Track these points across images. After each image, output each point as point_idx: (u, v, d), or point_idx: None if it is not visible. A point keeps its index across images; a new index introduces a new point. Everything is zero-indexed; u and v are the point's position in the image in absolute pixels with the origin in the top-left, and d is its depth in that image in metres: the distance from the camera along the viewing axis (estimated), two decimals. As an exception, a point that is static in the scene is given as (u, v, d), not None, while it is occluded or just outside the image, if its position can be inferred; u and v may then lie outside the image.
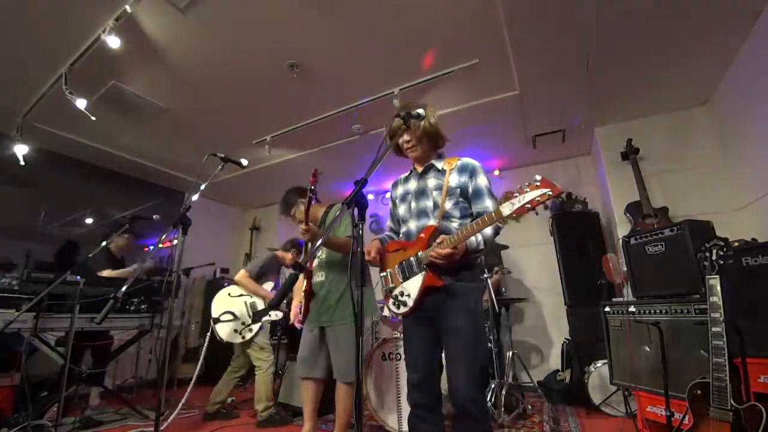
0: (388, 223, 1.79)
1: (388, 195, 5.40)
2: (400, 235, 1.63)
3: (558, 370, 3.30)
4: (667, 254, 2.21)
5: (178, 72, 2.77)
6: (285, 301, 2.81)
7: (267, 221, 5.85)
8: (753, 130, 2.59)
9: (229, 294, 2.96)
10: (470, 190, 1.50)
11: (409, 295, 1.43)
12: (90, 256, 2.94)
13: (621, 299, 2.45)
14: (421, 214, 1.54)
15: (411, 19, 2.33)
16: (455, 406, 1.33)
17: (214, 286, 4.80)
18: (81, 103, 2.69)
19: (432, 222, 1.48)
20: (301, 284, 2.18)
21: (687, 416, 1.52)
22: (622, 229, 3.16)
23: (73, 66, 2.58)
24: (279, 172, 4.42)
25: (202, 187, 1.96)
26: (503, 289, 3.74)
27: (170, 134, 3.68)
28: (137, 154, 4.07)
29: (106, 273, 3.10)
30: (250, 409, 3.05)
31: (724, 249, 1.55)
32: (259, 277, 2.97)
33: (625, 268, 2.43)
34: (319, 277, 2.15)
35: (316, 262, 2.18)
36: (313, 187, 1.79)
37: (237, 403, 3.23)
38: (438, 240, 1.36)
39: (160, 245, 1.88)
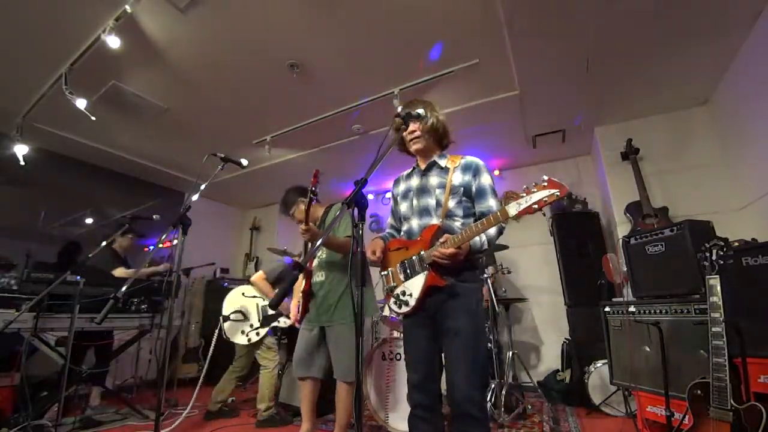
0: (389, 221, 1.77)
1: (388, 195, 5.44)
2: (402, 233, 1.61)
3: (558, 370, 3.30)
4: (667, 254, 2.21)
5: (178, 72, 2.77)
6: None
7: (267, 221, 5.85)
8: (753, 130, 2.59)
9: (243, 293, 2.97)
10: (474, 189, 1.49)
11: (411, 295, 1.42)
12: (90, 256, 2.94)
13: (621, 299, 2.45)
14: (424, 212, 1.52)
15: (411, 19, 2.33)
16: (455, 406, 1.32)
17: (214, 286, 4.82)
18: (81, 103, 2.69)
19: (435, 221, 1.47)
20: (300, 284, 2.18)
21: (687, 416, 1.52)
22: (622, 229, 3.16)
23: (73, 66, 2.58)
24: (279, 172, 4.42)
25: (202, 187, 1.96)
26: (503, 289, 3.74)
27: (170, 134, 3.68)
28: (137, 154, 4.07)
29: (118, 272, 3.12)
30: (250, 409, 3.06)
31: (724, 249, 1.55)
32: (275, 283, 2.96)
33: (625, 268, 2.43)
34: (318, 276, 2.15)
35: (315, 261, 2.18)
36: (314, 188, 1.78)
37: (237, 403, 3.24)
38: (441, 239, 1.35)
39: (160, 245, 1.88)
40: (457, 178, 1.50)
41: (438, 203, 1.49)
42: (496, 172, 4.46)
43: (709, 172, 3.07)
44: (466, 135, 3.65)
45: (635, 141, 3.28)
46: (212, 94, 3.06)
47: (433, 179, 1.54)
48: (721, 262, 1.53)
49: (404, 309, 1.44)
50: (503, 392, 2.62)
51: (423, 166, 1.60)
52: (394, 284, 1.49)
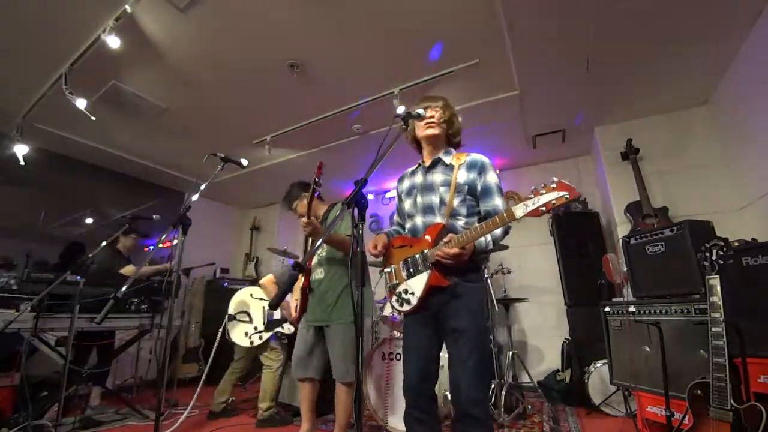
0: (395, 218, 1.76)
1: (388, 195, 5.42)
2: (406, 231, 1.59)
3: (558, 370, 3.30)
4: (667, 254, 2.21)
5: (178, 72, 2.77)
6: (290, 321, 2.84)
7: (267, 221, 5.84)
8: (753, 130, 2.59)
9: (251, 295, 2.98)
10: (479, 187, 1.47)
11: (413, 293, 1.41)
12: (90, 255, 2.95)
13: (621, 299, 2.45)
14: (427, 210, 1.50)
15: (411, 19, 2.32)
16: (458, 407, 1.31)
17: (214, 286, 4.83)
18: (81, 103, 2.69)
19: (439, 219, 1.45)
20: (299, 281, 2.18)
21: (687, 416, 1.52)
22: (622, 229, 3.16)
23: (73, 66, 2.58)
24: (279, 172, 4.41)
25: (202, 187, 1.96)
26: (503, 288, 3.74)
27: (170, 134, 3.68)
28: (137, 154, 4.07)
29: (126, 270, 3.16)
30: (250, 409, 3.06)
31: (724, 249, 1.55)
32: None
33: (625, 268, 2.43)
34: (318, 274, 2.14)
35: (315, 259, 2.17)
36: (317, 179, 1.76)
37: (237, 402, 3.24)
38: (445, 239, 1.33)
39: (160, 245, 1.88)
40: (462, 176, 1.48)
41: (442, 201, 1.47)
42: (497, 172, 4.45)
43: (709, 172, 3.07)
44: (466, 135, 3.56)
45: (635, 141, 3.28)
46: (212, 94, 3.06)
47: (438, 176, 1.52)
48: (721, 262, 1.54)
49: (406, 307, 1.44)
50: (503, 392, 2.61)
51: (428, 163, 1.58)
52: (397, 282, 1.48)
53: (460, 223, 1.44)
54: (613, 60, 2.67)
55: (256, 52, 2.60)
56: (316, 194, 1.89)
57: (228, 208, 5.85)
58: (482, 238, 1.33)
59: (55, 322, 2.38)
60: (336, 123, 3.43)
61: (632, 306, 2.25)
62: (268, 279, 2.93)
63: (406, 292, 1.44)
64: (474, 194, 1.48)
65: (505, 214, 1.21)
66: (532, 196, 1.15)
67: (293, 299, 2.35)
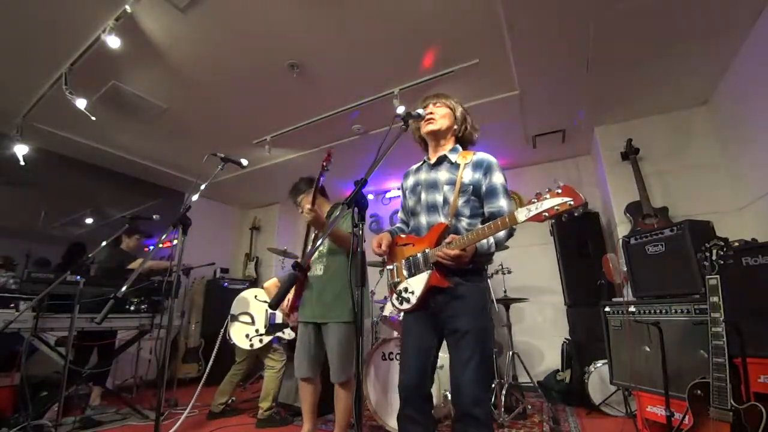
0: (400, 214, 1.74)
1: (388, 195, 5.42)
2: (410, 228, 1.58)
3: (558, 370, 3.30)
4: (667, 254, 2.21)
5: (178, 72, 2.77)
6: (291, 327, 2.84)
7: (267, 221, 5.84)
8: (753, 130, 2.59)
9: (255, 296, 2.97)
10: (484, 188, 1.44)
11: (412, 292, 1.41)
12: (90, 255, 2.96)
13: (621, 299, 2.45)
14: (431, 208, 1.48)
15: (411, 19, 2.33)
16: (458, 407, 1.30)
17: (214, 286, 4.83)
18: (81, 103, 2.69)
19: (442, 219, 1.44)
20: None
21: (687, 416, 1.52)
22: (622, 229, 3.16)
23: (73, 66, 2.58)
24: (279, 172, 4.42)
25: (202, 187, 1.96)
26: (503, 288, 3.74)
27: (170, 134, 3.68)
28: (137, 154, 4.07)
29: (134, 264, 3.22)
30: (250, 409, 3.06)
31: (724, 249, 1.55)
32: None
33: (625, 268, 2.43)
34: (317, 270, 2.12)
35: (315, 254, 2.15)
36: (325, 165, 1.73)
37: (237, 403, 3.24)
38: (447, 240, 1.32)
39: (160, 245, 1.88)
40: (467, 175, 1.45)
41: (446, 200, 1.45)
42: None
43: (709, 172, 3.07)
44: (466, 135, 3.64)
45: (635, 141, 3.28)
46: (212, 94, 3.06)
47: (442, 174, 1.50)
48: (721, 262, 1.54)
49: (405, 306, 1.43)
50: (503, 392, 2.61)
51: (433, 160, 1.56)
52: (398, 280, 1.47)
53: (463, 223, 1.43)
54: (613, 60, 2.67)
55: (256, 52, 2.60)
56: (322, 181, 1.85)
57: (228, 208, 5.84)
58: (484, 241, 1.31)
59: (55, 322, 2.38)
60: (336, 123, 3.43)
61: (632, 306, 2.25)
62: (272, 283, 2.94)
63: (406, 290, 1.43)
64: (478, 195, 1.45)
65: (507, 218, 1.18)
66: (536, 200, 1.11)
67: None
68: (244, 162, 2.09)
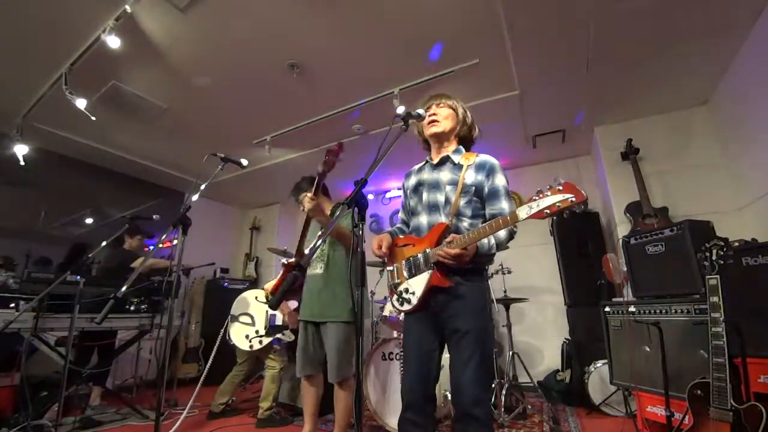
0: (400, 214, 1.74)
1: (388, 195, 5.42)
2: (410, 228, 1.58)
3: (558, 370, 3.30)
4: (667, 254, 2.21)
5: (178, 72, 2.77)
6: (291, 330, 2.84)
7: (267, 221, 5.85)
8: (753, 130, 2.59)
9: (256, 297, 2.97)
10: (486, 189, 1.44)
11: (413, 293, 1.40)
12: (90, 255, 2.97)
13: (621, 299, 2.45)
14: (433, 208, 1.48)
15: (411, 18, 2.33)
16: (458, 407, 1.30)
17: (214, 286, 4.83)
18: (81, 103, 2.69)
19: (443, 219, 1.44)
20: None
21: (687, 416, 1.52)
22: (622, 229, 3.16)
23: (73, 66, 2.58)
24: (279, 172, 4.42)
25: (202, 187, 1.96)
26: (503, 288, 3.73)
27: (170, 134, 3.68)
28: (137, 154, 4.07)
29: (138, 262, 3.24)
30: (250, 409, 3.06)
31: (724, 249, 1.55)
32: (288, 293, 2.96)
33: (625, 268, 2.43)
34: (316, 269, 2.12)
35: (316, 253, 2.15)
36: (334, 156, 1.70)
37: (237, 403, 3.24)
38: (448, 239, 1.32)
39: (160, 245, 1.88)
40: (470, 176, 1.46)
41: (447, 200, 1.45)
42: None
43: (709, 172, 3.07)
44: (466, 135, 3.64)
45: (635, 141, 3.28)
46: (212, 94, 3.06)
47: (445, 175, 1.50)
48: (721, 262, 1.54)
49: (406, 307, 1.43)
50: (503, 392, 2.62)
51: (436, 160, 1.56)
52: (398, 281, 1.47)
53: (464, 224, 1.43)
54: (613, 60, 2.67)
55: (256, 52, 2.60)
56: (327, 171, 1.82)
57: (228, 208, 5.85)
58: (485, 240, 1.31)
59: (55, 322, 2.38)
60: (336, 123, 3.43)
61: (632, 306, 2.25)
62: (273, 284, 2.94)
63: (406, 291, 1.43)
64: (480, 196, 1.46)
65: (508, 216, 1.18)
66: (537, 197, 1.11)
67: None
68: (244, 162, 2.08)
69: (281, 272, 2.18)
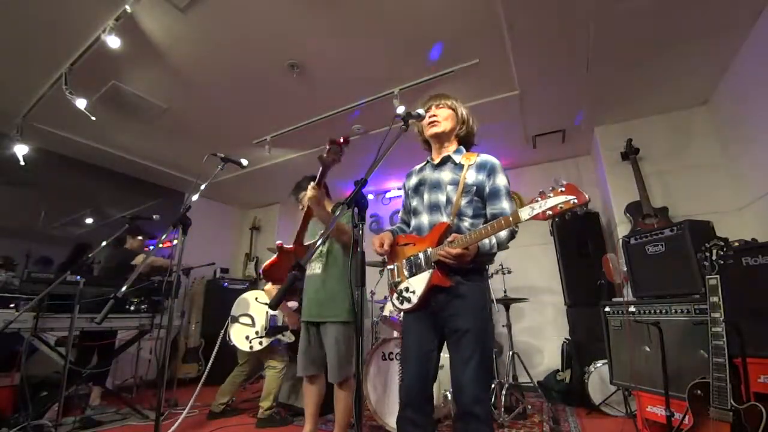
0: (401, 214, 1.74)
1: (388, 195, 5.41)
2: (411, 228, 1.58)
3: (558, 370, 3.30)
4: (667, 254, 2.21)
5: (178, 72, 2.77)
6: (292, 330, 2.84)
7: (267, 221, 5.85)
8: (753, 130, 2.59)
9: (256, 298, 2.98)
10: (487, 189, 1.45)
11: (413, 292, 1.41)
12: (90, 255, 2.97)
13: (621, 299, 2.45)
14: (434, 208, 1.49)
15: (411, 18, 2.33)
16: (459, 406, 1.31)
17: (214, 286, 4.83)
18: (81, 103, 2.69)
19: (444, 218, 1.44)
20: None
21: (687, 416, 1.52)
22: (622, 229, 3.16)
23: (73, 66, 2.58)
24: (279, 172, 4.42)
25: (202, 187, 1.96)
26: (503, 288, 3.73)
27: (170, 134, 3.68)
28: (137, 154, 4.07)
29: (139, 259, 3.28)
30: (250, 409, 3.06)
31: (724, 249, 1.56)
32: (288, 293, 2.96)
33: (625, 268, 2.43)
34: (315, 269, 2.12)
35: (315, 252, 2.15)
36: (336, 141, 1.69)
37: (237, 403, 3.24)
38: (449, 239, 1.32)
39: (160, 245, 1.88)
40: (470, 176, 1.46)
41: (449, 200, 1.46)
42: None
43: (709, 172, 3.07)
44: (466, 135, 3.64)
45: (635, 141, 3.28)
46: (212, 94, 3.06)
47: (446, 175, 1.51)
48: (721, 262, 1.54)
49: (406, 305, 1.43)
50: (503, 392, 2.62)
51: (436, 160, 1.57)
52: (399, 279, 1.47)
53: (466, 223, 1.43)
54: (613, 60, 2.67)
55: (256, 52, 2.60)
56: (331, 161, 1.80)
57: (228, 208, 5.85)
58: (486, 240, 1.31)
59: (55, 322, 2.38)
60: (336, 123, 3.43)
61: (632, 306, 2.25)
62: (272, 285, 2.94)
63: (407, 290, 1.43)
64: (481, 196, 1.46)
65: (510, 217, 1.19)
66: (539, 199, 1.12)
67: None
68: (244, 162, 2.08)
69: (275, 255, 2.16)
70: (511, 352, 3.10)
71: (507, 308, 3.16)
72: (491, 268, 3.18)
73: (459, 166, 1.50)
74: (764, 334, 1.64)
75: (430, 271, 1.37)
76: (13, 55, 2.58)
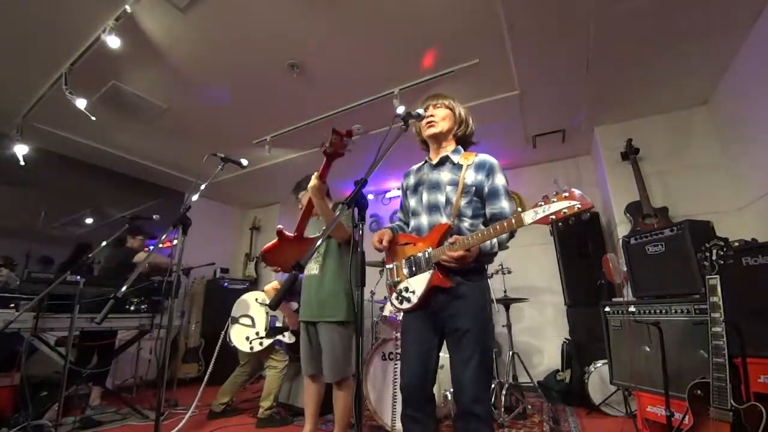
0: (399, 214, 1.74)
1: (388, 195, 5.41)
2: (410, 228, 1.58)
3: (558, 370, 3.30)
4: (667, 254, 2.21)
5: (178, 72, 2.77)
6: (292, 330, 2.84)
7: (267, 221, 5.85)
8: (753, 130, 2.59)
9: (256, 299, 2.98)
10: (486, 189, 1.45)
11: (413, 292, 1.41)
12: (90, 255, 2.97)
13: (621, 299, 2.45)
14: (433, 208, 1.48)
15: (411, 19, 2.33)
16: (459, 405, 1.31)
17: (214, 286, 4.83)
18: (81, 103, 2.69)
19: (444, 219, 1.44)
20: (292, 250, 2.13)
21: (687, 416, 1.52)
22: (622, 229, 3.16)
23: (73, 66, 2.58)
24: (279, 172, 4.42)
25: (202, 187, 1.96)
26: (503, 288, 3.73)
27: (170, 134, 3.68)
28: (137, 154, 4.07)
29: (140, 257, 3.29)
30: (250, 409, 3.06)
31: (724, 249, 1.55)
32: (288, 294, 2.97)
33: (625, 268, 2.43)
34: (313, 270, 2.12)
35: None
36: (339, 132, 1.67)
37: (237, 403, 3.24)
38: (451, 240, 1.32)
39: (160, 245, 1.88)
40: (470, 176, 1.46)
41: (448, 201, 1.45)
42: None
43: (709, 172, 3.07)
44: (466, 135, 3.64)
45: (635, 141, 3.28)
46: (212, 94, 3.05)
47: (445, 175, 1.50)
48: (721, 262, 1.54)
49: (405, 305, 1.43)
50: (503, 392, 2.61)
51: (435, 160, 1.56)
52: (398, 279, 1.47)
53: (465, 224, 1.43)
54: (613, 60, 2.67)
55: (256, 52, 2.60)
56: (335, 152, 1.78)
57: (228, 208, 5.84)
58: (487, 241, 1.32)
59: (55, 322, 2.38)
60: (336, 123, 3.42)
61: (632, 306, 2.25)
62: (272, 285, 2.94)
63: (406, 290, 1.43)
64: (480, 196, 1.46)
65: (513, 220, 1.19)
66: (542, 203, 1.12)
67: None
68: (244, 162, 2.09)
69: (276, 240, 2.16)
70: (511, 352, 3.10)
71: (507, 308, 3.16)
72: (491, 268, 3.19)
73: (457, 167, 1.50)
74: (764, 334, 1.64)
75: (431, 271, 1.37)
76: (13, 55, 2.58)
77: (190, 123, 3.49)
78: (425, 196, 1.52)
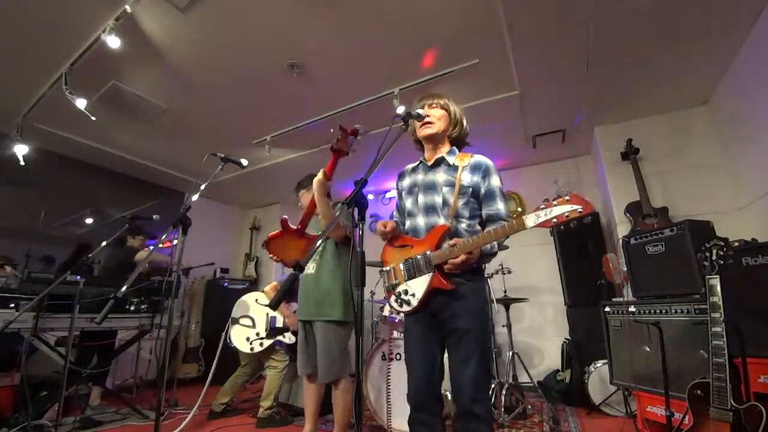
0: (395, 216, 1.73)
1: (388, 195, 5.41)
2: (406, 229, 1.56)
3: (558, 370, 3.30)
4: (667, 254, 2.21)
5: (178, 72, 2.77)
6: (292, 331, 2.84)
7: (267, 221, 5.84)
8: (753, 130, 2.59)
9: (256, 300, 2.98)
10: (482, 190, 1.46)
11: (413, 295, 1.40)
12: (90, 255, 2.97)
13: (621, 299, 2.45)
14: (430, 210, 1.48)
15: (411, 19, 2.32)
16: (460, 406, 1.31)
17: (214, 286, 4.83)
18: (81, 103, 2.69)
19: (441, 220, 1.44)
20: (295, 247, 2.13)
21: (687, 416, 1.52)
22: (622, 229, 3.16)
23: (73, 66, 2.58)
24: (279, 172, 4.42)
25: (202, 187, 1.96)
26: (503, 288, 3.73)
27: (170, 134, 3.68)
28: (137, 154, 4.07)
29: (141, 255, 3.29)
30: (250, 409, 3.06)
31: (724, 249, 1.55)
32: (288, 295, 2.97)
33: (625, 268, 2.43)
34: (310, 269, 2.11)
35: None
36: (344, 128, 1.66)
37: (237, 403, 3.24)
38: (451, 242, 1.32)
39: (160, 245, 1.88)
40: (466, 177, 1.46)
41: (445, 202, 1.45)
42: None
43: (709, 172, 3.07)
44: (466, 135, 3.64)
45: (635, 141, 3.28)
46: (212, 94, 3.06)
47: (440, 176, 1.50)
48: (721, 262, 1.54)
49: (405, 308, 1.43)
50: (503, 392, 2.61)
51: (430, 161, 1.56)
52: (396, 282, 1.47)
53: (463, 225, 1.43)
54: (613, 60, 2.67)
55: (256, 52, 2.60)
56: (341, 149, 1.78)
57: (228, 208, 5.85)
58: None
59: (55, 322, 2.38)
60: (336, 123, 3.42)
61: (632, 306, 2.25)
62: (272, 286, 2.94)
63: (406, 292, 1.43)
64: (477, 197, 1.47)
65: (515, 223, 1.19)
66: (544, 206, 1.13)
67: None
68: (244, 162, 2.08)
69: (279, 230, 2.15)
70: (511, 352, 3.10)
71: (507, 308, 3.16)
72: (491, 268, 3.20)
73: (453, 168, 1.50)
74: (764, 334, 1.64)
75: (431, 274, 1.36)
76: (13, 55, 2.57)
77: (190, 123, 3.48)
78: (421, 198, 1.51)
